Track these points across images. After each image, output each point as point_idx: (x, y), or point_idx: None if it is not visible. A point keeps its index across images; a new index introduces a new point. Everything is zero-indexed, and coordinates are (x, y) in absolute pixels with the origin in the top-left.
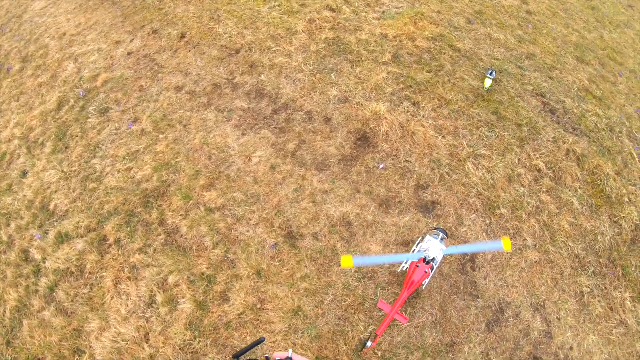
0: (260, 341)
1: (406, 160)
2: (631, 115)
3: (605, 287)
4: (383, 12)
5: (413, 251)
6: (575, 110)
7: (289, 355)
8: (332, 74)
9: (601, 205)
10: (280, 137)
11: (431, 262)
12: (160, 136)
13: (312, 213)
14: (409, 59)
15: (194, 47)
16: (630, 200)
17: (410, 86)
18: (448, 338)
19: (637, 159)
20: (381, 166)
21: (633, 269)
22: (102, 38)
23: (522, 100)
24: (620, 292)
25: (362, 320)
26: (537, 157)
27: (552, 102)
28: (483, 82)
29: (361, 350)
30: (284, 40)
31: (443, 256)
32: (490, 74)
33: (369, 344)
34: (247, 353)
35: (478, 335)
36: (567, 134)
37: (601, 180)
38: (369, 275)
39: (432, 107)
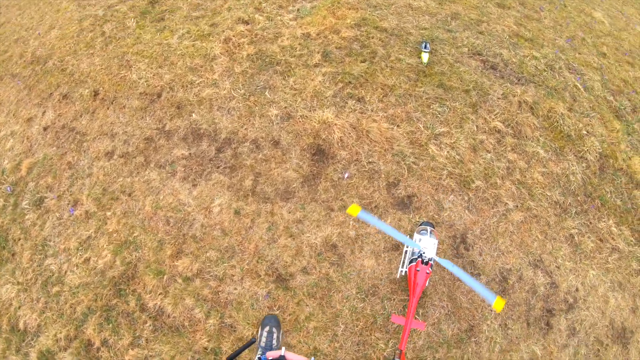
0: (251, 342)
1: (369, 162)
2: (564, 47)
3: (590, 222)
4: (298, 10)
5: (405, 252)
6: (513, 60)
7: (282, 354)
8: (266, 92)
9: (564, 145)
10: (233, 177)
11: (430, 262)
12: (108, 214)
13: (293, 248)
14: (340, 54)
15: (112, 103)
16: (588, 132)
17: (350, 82)
18: (465, 324)
19: (582, 89)
20: (346, 175)
21: (609, 195)
22: (11, 119)
23: (462, 65)
24: (604, 222)
25: (380, 338)
26: (493, 119)
27: (490, 57)
28: (420, 58)
29: None
30: (205, 70)
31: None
32: (425, 47)
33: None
34: (240, 355)
35: (491, 310)
36: (514, 86)
37: (557, 122)
38: (371, 292)
39: (378, 98)
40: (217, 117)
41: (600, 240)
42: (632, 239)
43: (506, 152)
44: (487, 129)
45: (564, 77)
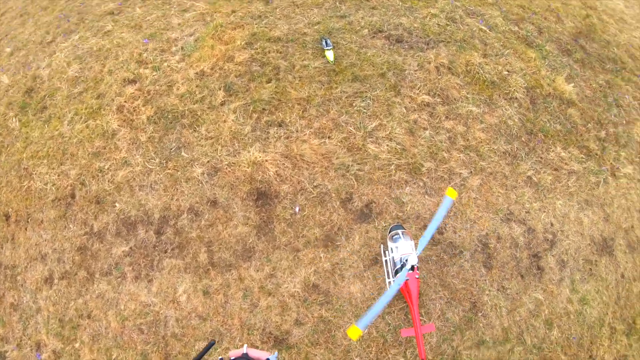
0: (211, 345)
1: (315, 186)
2: None
3: (541, 157)
4: (182, 48)
5: (386, 262)
6: (415, 25)
7: (244, 352)
8: (182, 152)
9: (492, 93)
10: (185, 256)
11: (416, 267)
12: (77, 345)
13: (277, 305)
14: (242, 82)
15: (27, 222)
16: (509, 71)
17: (264, 109)
18: (467, 303)
19: (487, 30)
20: (297, 209)
21: (548, 124)
22: None
23: (368, 49)
24: (552, 151)
25: (397, 353)
26: (418, 93)
27: (392, 31)
28: (326, 57)
29: None
30: (110, 150)
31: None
32: (326, 44)
33: None
34: (202, 358)
35: (485, 280)
36: (426, 52)
37: (478, 73)
38: None
39: (298, 115)
40: (142, 197)
41: (556, 170)
42: (582, 155)
43: (442, 122)
44: (415, 106)
45: (467, 25)
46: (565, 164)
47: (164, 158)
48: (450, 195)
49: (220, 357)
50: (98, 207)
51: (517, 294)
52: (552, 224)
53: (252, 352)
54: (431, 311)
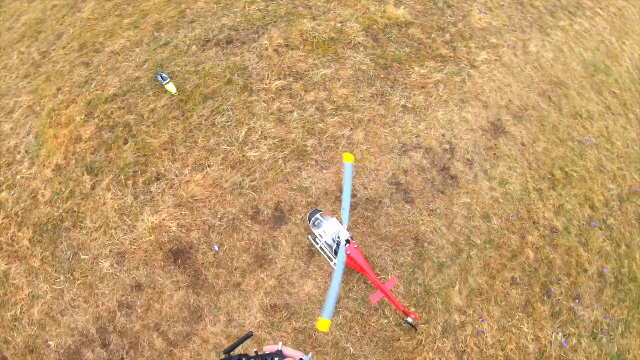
0: (248, 336)
1: (220, 218)
2: None
3: (405, 83)
4: (26, 151)
5: (321, 249)
6: (238, 20)
7: (279, 349)
8: (80, 256)
9: (335, 49)
10: (143, 352)
11: (350, 239)
12: None
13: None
14: (101, 156)
15: None
16: (341, 22)
17: (135, 172)
18: (410, 242)
19: None
20: (216, 248)
21: (397, 51)
22: None
23: (205, 64)
24: (412, 73)
25: (379, 318)
26: (269, 82)
27: (219, 35)
28: (169, 91)
29: (415, 330)
30: (11, 293)
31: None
32: (162, 78)
33: (410, 319)
34: (237, 348)
35: (413, 213)
36: (259, 41)
37: (314, 36)
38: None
39: (170, 160)
40: (68, 322)
41: (423, 87)
42: (439, 64)
43: (303, 97)
44: (273, 95)
45: None
46: (428, 78)
47: (67, 271)
48: (348, 159)
49: (255, 349)
50: (34, 355)
51: (446, 208)
52: (443, 135)
53: (287, 350)
54: (384, 266)
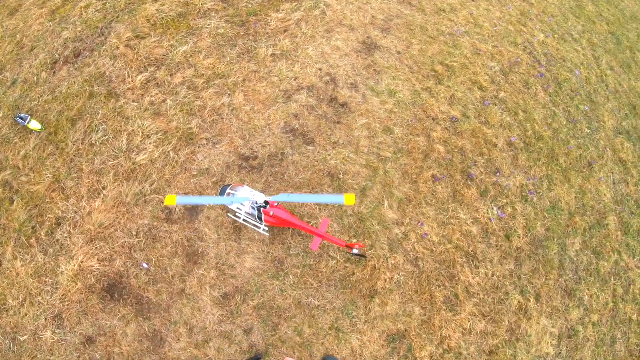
0: (257, 358)
1: (136, 234)
2: None
3: (267, 32)
4: None
5: (245, 221)
6: (78, 29)
7: None
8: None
9: (187, 23)
10: None
11: (267, 201)
12: None
13: (220, 342)
14: None
15: None
16: None
17: (33, 227)
18: (326, 179)
19: None
20: (145, 265)
21: (248, 5)
22: None
23: (60, 87)
24: (270, 20)
25: (327, 261)
26: (132, 80)
27: (64, 52)
28: (34, 130)
29: (364, 258)
30: None
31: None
32: (22, 119)
33: (356, 250)
34: None
35: (318, 152)
36: (108, 42)
37: (162, 17)
38: (277, 267)
39: (62, 199)
40: None
41: (285, 30)
42: (294, 3)
43: (171, 82)
44: (140, 91)
45: None
46: (288, 20)
47: None
48: (347, 200)
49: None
50: None
51: (347, 136)
52: (320, 69)
53: None
54: (311, 212)
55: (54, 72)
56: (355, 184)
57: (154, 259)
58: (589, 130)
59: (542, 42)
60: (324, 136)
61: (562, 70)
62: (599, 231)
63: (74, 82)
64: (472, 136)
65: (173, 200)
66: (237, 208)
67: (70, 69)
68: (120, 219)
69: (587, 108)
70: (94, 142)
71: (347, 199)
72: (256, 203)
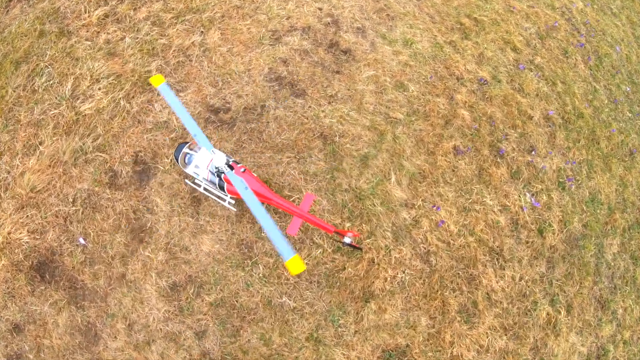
0: None
1: (73, 202)
2: None
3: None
4: None
5: (205, 190)
6: None
7: None
8: None
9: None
10: None
11: (234, 163)
12: None
13: (171, 338)
14: None
15: None
16: None
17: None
18: (317, 141)
19: None
20: (82, 241)
21: None
22: None
23: (9, 26)
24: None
25: (321, 250)
26: (89, 15)
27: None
28: None
29: (359, 249)
30: None
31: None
32: None
33: (348, 239)
34: None
35: (309, 106)
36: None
37: None
38: (245, 251)
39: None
40: None
41: None
42: None
43: (134, 18)
44: (96, 28)
45: None
46: None
47: None
48: (157, 82)
49: None
50: None
51: (348, 89)
52: (320, 9)
53: None
54: (293, 183)
55: (7, 11)
56: (355, 150)
57: (92, 234)
58: (630, 115)
59: (580, 10)
60: (319, 88)
61: (603, 44)
62: (638, 232)
63: (25, 20)
64: (503, 104)
65: (158, 82)
66: (195, 173)
67: (25, 6)
68: (56, 181)
69: (628, 89)
70: (36, 88)
71: (293, 265)
72: (217, 167)
